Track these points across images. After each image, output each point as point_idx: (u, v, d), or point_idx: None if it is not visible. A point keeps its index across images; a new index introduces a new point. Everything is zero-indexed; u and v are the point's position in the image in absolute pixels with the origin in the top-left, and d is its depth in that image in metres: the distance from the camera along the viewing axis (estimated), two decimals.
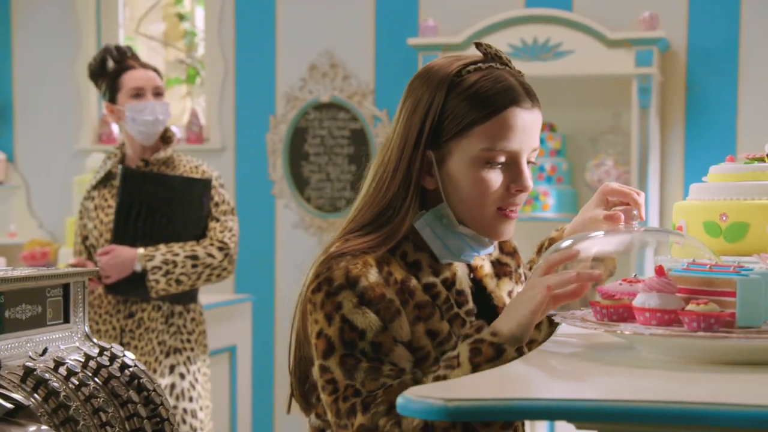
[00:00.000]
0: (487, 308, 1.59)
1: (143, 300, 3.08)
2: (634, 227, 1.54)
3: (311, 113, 4.81)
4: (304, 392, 1.56)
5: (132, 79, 3.12)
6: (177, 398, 3.07)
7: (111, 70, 3.15)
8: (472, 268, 1.60)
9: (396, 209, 1.49)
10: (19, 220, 5.21)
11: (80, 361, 1.53)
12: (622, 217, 1.56)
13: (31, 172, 5.25)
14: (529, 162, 1.50)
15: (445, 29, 4.42)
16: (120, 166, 3.11)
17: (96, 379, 1.52)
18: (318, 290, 1.44)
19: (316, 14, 4.76)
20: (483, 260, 1.62)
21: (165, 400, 1.60)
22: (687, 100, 4.29)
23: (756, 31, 4.20)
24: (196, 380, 3.14)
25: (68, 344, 1.58)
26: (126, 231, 3.08)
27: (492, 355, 1.35)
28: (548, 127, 4.34)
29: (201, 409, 3.14)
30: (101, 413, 1.46)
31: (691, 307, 1.27)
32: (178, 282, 3.03)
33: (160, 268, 3.00)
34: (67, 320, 1.59)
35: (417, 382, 1.40)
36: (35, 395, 1.40)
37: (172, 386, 3.07)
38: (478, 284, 1.60)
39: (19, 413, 1.36)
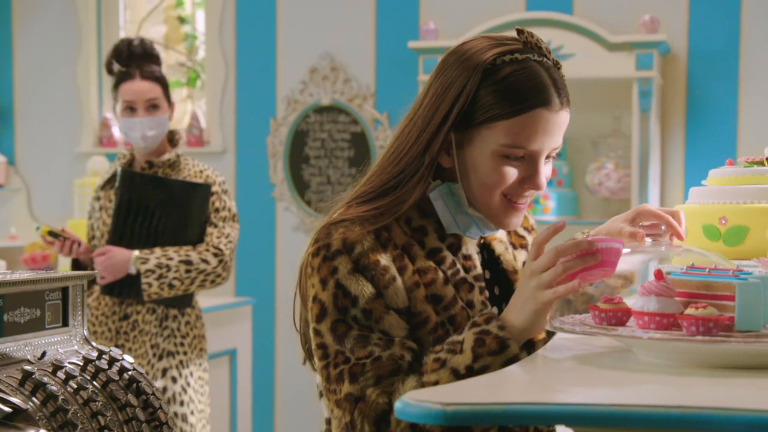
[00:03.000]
0: (498, 272, 1.61)
1: (138, 302, 3.07)
2: (662, 245, 1.54)
3: (312, 116, 4.81)
4: (307, 351, 1.57)
5: (126, 92, 3.10)
6: (168, 402, 3.06)
7: (115, 73, 3.14)
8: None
9: (404, 180, 1.49)
10: (20, 223, 5.21)
11: (79, 365, 1.53)
12: (645, 236, 1.56)
13: (31, 174, 5.25)
14: (548, 157, 1.51)
15: (446, 32, 4.42)
16: (119, 168, 3.10)
17: (94, 382, 1.52)
18: (316, 255, 1.45)
19: (316, 17, 4.76)
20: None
21: (164, 404, 1.60)
22: (687, 103, 4.29)
23: (756, 35, 4.20)
24: (188, 384, 3.12)
25: (67, 348, 1.58)
26: (123, 233, 3.07)
27: (495, 348, 1.36)
28: None
29: (192, 413, 3.12)
30: (100, 417, 1.46)
31: (690, 311, 1.27)
32: (171, 286, 3.02)
33: (153, 271, 2.99)
34: (65, 324, 1.59)
35: (411, 350, 1.42)
36: (33, 399, 1.40)
37: (164, 389, 3.06)
38: (489, 250, 1.61)
39: (18, 417, 1.36)
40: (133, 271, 3.01)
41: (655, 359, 1.30)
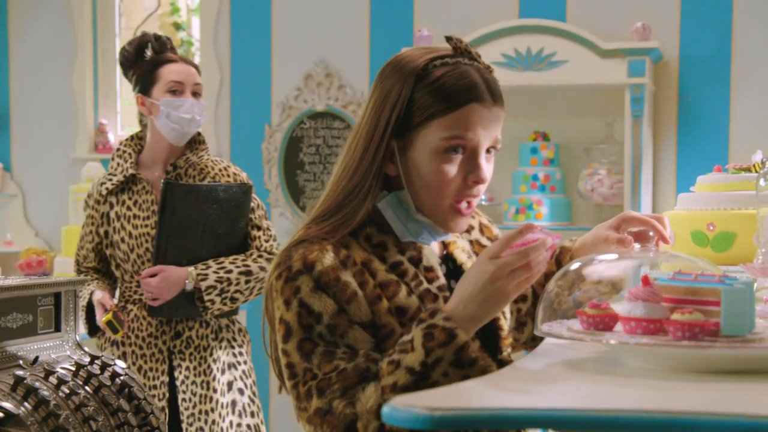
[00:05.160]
0: None
1: (188, 318, 2.85)
2: (650, 250, 1.55)
3: (306, 122, 4.82)
4: (280, 377, 1.58)
5: (171, 72, 2.87)
6: (240, 415, 2.87)
7: (148, 59, 2.90)
8: (445, 244, 1.64)
9: (356, 194, 1.53)
10: (16, 229, 5.22)
11: (71, 370, 1.54)
12: (633, 242, 1.58)
13: (27, 181, 5.26)
14: (489, 150, 1.54)
15: (440, 39, 4.42)
16: (162, 181, 2.81)
17: (86, 387, 1.52)
18: (279, 278, 1.48)
19: (311, 24, 4.78)
20: (458, 236, 1.66)
21: (155, 409, 1.60)
22: (679, 109, 4.31)
23: (748, 41, 4.22)
24: (254, 394, 2.94)
25: (59, 353, 1.59)
26: (168, 248, 2.80)
27: (444, 340, 1.38)
28: (542, 136, 4.35)
29: (262, 422, 2.95)
30: (91, 422, 1.46)
31: (676, 316, 1.28)
32: (233, 300, 2.83)
33: (214, 287, 2.78)
34: (58, 329, 1.60)
35: (376, 361, 1.44)
36: (25, 404, 1.40)
37: (233, 403, 2.86)
38: (453, 260, 1.64)
39: (10, 422, 1.37)
40: (189, 287, 2.78)
41: (642, 364, 1.30)
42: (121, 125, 5.30)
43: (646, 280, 1.33)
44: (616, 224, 1.63)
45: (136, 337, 2.86)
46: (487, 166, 1.54)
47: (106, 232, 2.92)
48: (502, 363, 1.59)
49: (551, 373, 1.33)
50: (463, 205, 1.54)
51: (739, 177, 1.75)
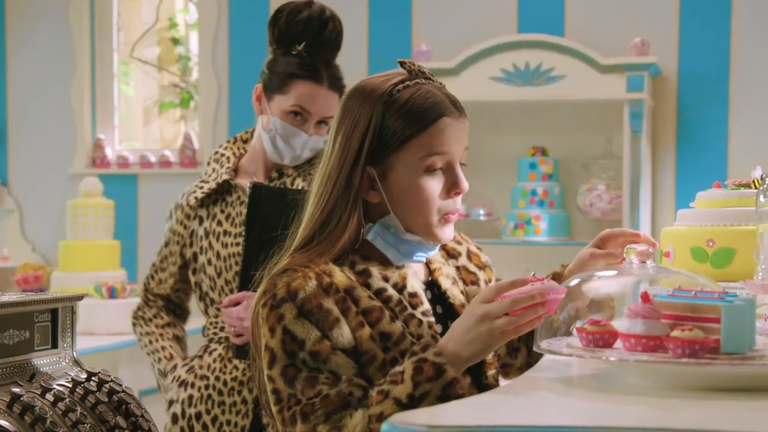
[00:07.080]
0: (446, 307, 1.67)
1: None
2: (648, 266, 1.55)
3: None
4: (266, 405, 1.60)
5: (303, 95, 2.30)
6: None
7: (295, 56, 2.32)
8: (430, 270, 1.68)
9: (335, 222, 1.57)
10: (13, 244, 5.21)
11: (68, 387, 1.53)
12: (622, 253, 1.60)
13: (24, 195, 5.25)
14: (460, 164, 1.61)
15: (438, 54, 4.44)
16: (249, 183, 2.25)
17: (83, 404, 1.52)
18: (264, 306, 1.52)
19: None
20: (443, 264, 1.70)
21: (153, 426, 1.60)
22: (678, 125, 4.31)
23: (747, 57, 4.23)
24: None
25: (56, 369, 1.58)
26: (257, 269, 2.20)
27: (432, 374, 1.41)
28: (540, 151, 4.36)
29: None
30: None
31: (675, 333, 1.27)
32: None
33: None
34: (55, 345, 1.60)
35: (359, 386, 1.47)
36: (22, 421, 1.40)
37: None
38: (438, 286, 1.67)
39: None
40: None
41: (642, 381, 1.30)
42: (119, 140, 5.30)
43: (645, 297, 1.33)
44: (597, 244, 1.69)
45: (216, 379, 2.32)
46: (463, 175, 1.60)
47: (195, 255, 2.37)
48: (486, 387, 1.62)
49: (550, 389, 1.32)
50: (450, 216, 1.60)
51: (738, 193, 1.75)
